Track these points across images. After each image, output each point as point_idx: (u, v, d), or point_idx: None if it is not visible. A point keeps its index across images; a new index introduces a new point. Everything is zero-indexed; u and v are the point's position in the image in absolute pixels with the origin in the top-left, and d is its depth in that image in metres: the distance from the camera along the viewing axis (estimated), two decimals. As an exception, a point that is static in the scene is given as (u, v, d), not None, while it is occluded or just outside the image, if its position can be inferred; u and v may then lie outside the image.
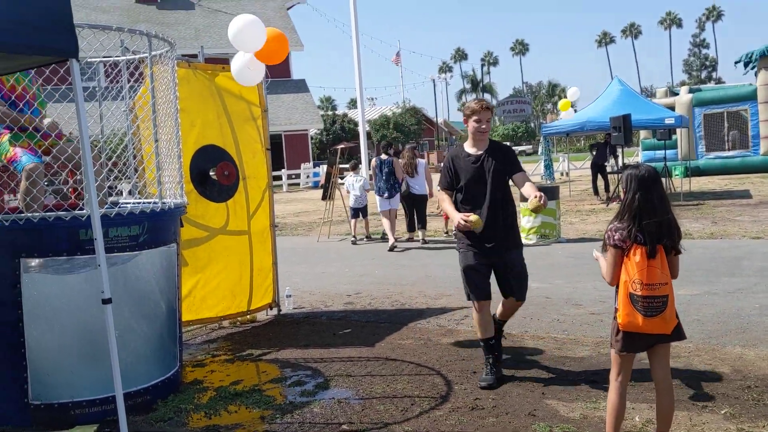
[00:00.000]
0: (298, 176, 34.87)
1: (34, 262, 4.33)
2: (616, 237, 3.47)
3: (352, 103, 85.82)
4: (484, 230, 4.78)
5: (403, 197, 12.31)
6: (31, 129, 4.92)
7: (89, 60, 5.74)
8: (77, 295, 4.44)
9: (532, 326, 6.30)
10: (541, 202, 4.51)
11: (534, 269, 8.83)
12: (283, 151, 36.75)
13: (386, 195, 12.10)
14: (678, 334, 3.55)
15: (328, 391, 4.87)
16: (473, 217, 4.71)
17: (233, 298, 6.82)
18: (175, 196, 5.21)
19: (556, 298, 7.33)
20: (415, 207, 12.39)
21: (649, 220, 3.41)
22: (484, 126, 4.89)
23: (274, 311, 7.34)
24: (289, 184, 33.67)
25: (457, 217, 4.73)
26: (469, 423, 4.16)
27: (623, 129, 15.90)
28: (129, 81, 5.53)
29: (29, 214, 4.26)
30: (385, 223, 12.25)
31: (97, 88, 5.70)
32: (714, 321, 6.08)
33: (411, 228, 12.70)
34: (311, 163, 36.59)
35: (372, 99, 79.51)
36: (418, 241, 12.34)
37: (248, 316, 7.08)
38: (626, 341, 3.53)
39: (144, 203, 4.87)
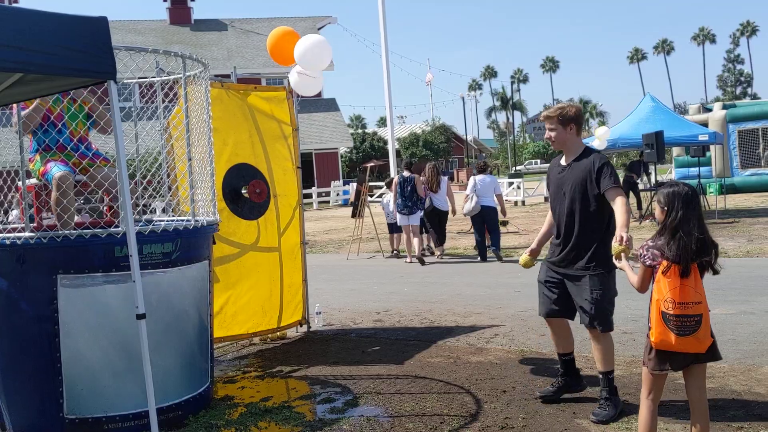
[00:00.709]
0: (328, 194, 35.08)
1: (71, 278, 4.42)
2: (648, 255, 3.47)
3: (382, 122, 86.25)
4: (558, 245, 4.68)
5: (427, 213, 12.52)
6: (68, 149, 5.06)
7: (126, 81, 5.90)
8: (112, 311, 4.51)
9: (563, 345, 6.24)
10: (623, 244, 3.82)
11: (565, 287, 8.82)
12: (313, 169, 37.05)
13: (406, 211, 12.29)
14: (713, 354, 3.51)
15: (357, 408, 4.88)
16: (522, 258, 4.88)
17: (263, 315, 6.88)
18: (208, 213, 5.30)
19: (587, 317, 7.24)
20: (440, 222, 12.70)
21: (688, 239, 3.38)
22: (546, 136, 4.69)
23: (304, 328, 7.38)
24: (320, 202, 33.88)
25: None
26: (499, 442, 4.13)
27: (656, 146, 15.75)
28: (163, 101, 5.66)
29: (66, 232, 4.37)
30: (405, 239, 12.59)
31: (132, 108, 5.84)
32: (750, 341, 5.96)
33: (441, 241, 12.91)
34: (341, 181, 36.79)
35: (402, 117, 79.96)
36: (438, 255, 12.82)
37: (278, 333, 7.13)
38: (659, 360, 3.50)
39: (177, 221, 4.97)
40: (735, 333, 6.21)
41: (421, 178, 12.56)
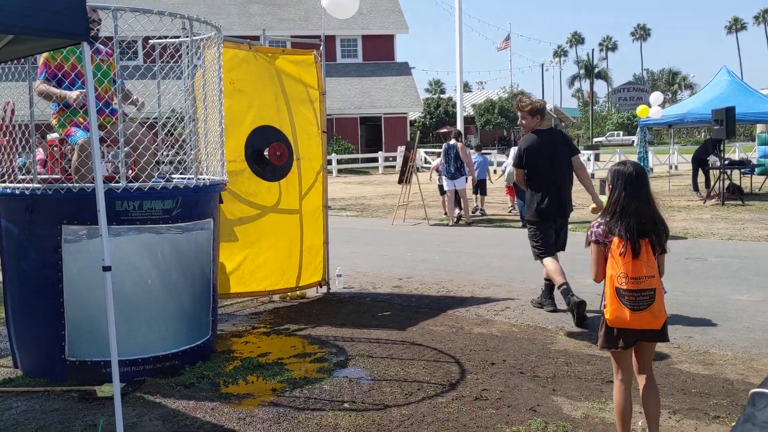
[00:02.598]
0: (395, 158, 35.11)
1: (74, 229, 4.68)
2: (597, 232, 3.49)
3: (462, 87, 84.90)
4: None
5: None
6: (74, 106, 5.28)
7: (155, 41, 6.08)
8: (112, 261, 4.72)
9: (572, 322, 6.16)
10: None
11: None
12: (381, 134, 37.09)
13: (449, 176, 13.19)
14: (663, 333, 3.49)
15: (344, 369, 5.00)
16: None
17: (282, 274, 7.06)
18: (215, 173, 5.46)
19: (606, 295, 7.10)
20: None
21: (632, 217, 3.38)
22: (519, 122, 6.56)
23: (324, 289, 7.53)
24: (385, 167, 33.96)
25: None
26: (467, 412, 4.17)
27: (726, 122, 15.02)
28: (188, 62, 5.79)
29: (70, 185, 4.61)
30: (448, 202, 13.54)
31: (156, 67, 6.02)
32: (764, 329, 5.72)
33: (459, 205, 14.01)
34: (409, 146, 36.70)
35: (481, 83, 78.80)
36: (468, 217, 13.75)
37: (297, 292, 7.32)
38: (608, 337, 3.50)
39: (180, 179, 5.15)
40: (752, 321, 5.97)
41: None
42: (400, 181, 13.97)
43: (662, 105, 19.11)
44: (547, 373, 4.86)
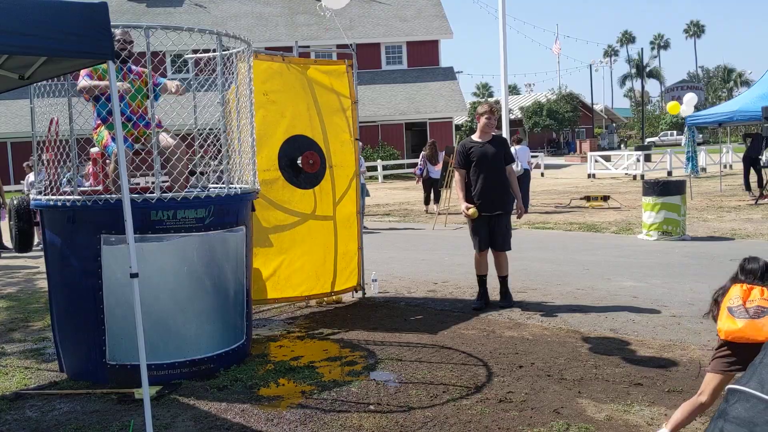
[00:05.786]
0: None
1: (112, 238, 4.90)
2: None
3: (509, 90, 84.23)
4: (487, 195, 6.99)
5: (425, 180, 16.60)
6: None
7: (186, 57, 6.32)
8: (149, 269, 4.95)
9: (605, 325, 6.13)
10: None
11: (637, 267, 8.54)
12: (427, 138, 37.08)
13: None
14: None
15: (373, 372, 5.09)
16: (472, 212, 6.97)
17: (317, 279, 7.20)
18: (247, 182, 5.63)
19: (643, 298, 7.03)
20: (432, 187, 16.51)
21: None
22: (487, 124, 6.97)
23: (360, 294, 7.64)
24: (432, 171, 33.99)
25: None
26: (490, 414, 4.21)
27: (776, 119, 14.63)
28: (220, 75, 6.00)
29: (107, 196, 4.84)
30: None
31: (191, 81, 6.25)
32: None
33: (428, 202, 16.80)
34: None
35: (530, 85, 78.18)
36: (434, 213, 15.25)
37: (333, 297, 7.45)
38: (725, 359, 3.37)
39: (212, 188, 5.33)
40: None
41: (423, 152, 16.49)
42: (440, 186, 14.00)
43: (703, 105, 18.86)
44: (574, 375, 4.86)
